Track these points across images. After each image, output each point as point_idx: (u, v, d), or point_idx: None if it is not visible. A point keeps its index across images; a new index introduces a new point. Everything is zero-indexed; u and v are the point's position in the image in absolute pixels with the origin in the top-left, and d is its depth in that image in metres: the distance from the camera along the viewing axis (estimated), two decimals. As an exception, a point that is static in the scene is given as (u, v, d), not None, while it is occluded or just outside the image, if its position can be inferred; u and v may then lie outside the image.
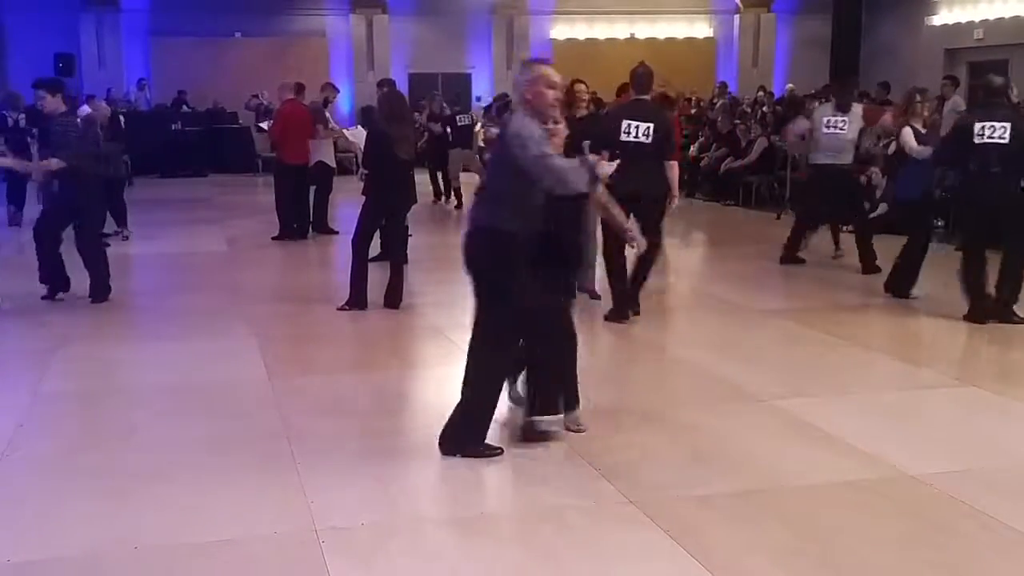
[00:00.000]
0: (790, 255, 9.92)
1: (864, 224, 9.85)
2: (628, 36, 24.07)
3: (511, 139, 4.46)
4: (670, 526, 3.96)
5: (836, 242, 10.25)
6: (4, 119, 12.72)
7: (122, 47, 21.98)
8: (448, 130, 14.95)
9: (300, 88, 13.20)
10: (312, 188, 12.38)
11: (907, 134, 8.20)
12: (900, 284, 8.30)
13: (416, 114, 14.50)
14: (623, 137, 7.23)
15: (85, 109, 12.69)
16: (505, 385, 5.02)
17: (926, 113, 8.42)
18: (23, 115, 13.33)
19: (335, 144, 12.87)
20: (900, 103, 8.60)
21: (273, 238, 11.78)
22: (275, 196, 12.00)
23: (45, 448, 4.99)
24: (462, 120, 15.12)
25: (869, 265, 9.48)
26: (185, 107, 21.34)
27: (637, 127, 7.25)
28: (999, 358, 7.00)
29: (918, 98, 8.30)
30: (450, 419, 4.75)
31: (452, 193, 15.10)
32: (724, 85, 21.04)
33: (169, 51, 21.89)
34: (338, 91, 13.39)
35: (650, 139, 7.26)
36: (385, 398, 5.84)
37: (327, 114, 12.56)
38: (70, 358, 6.66)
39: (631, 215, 6.92)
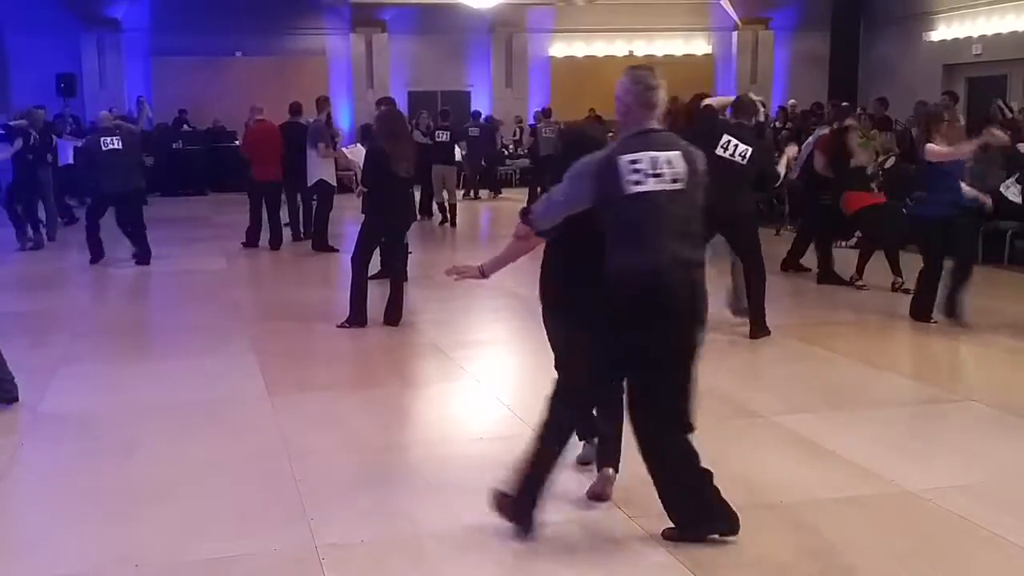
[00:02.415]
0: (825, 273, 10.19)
1: (822, 234, 10.23)
2: (626, 53, 24.13)
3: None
4: (669, 543, 3.96)
5: (895, 271, 9.58)
6: (28, 135, 12.72)
7: (123, 67, 22.07)
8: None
9: (298, 108, 13.30)
10: (313, 205, 12.60)
11: (933, 151, 7.72)
12: (925, 308, 8.03)
13: (418, 131, 14.59)
14: (719, 151, 7.33)
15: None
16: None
17: (947, 130, 7.90)
18: (37, 134, 13.27)
19: (336, 162, 12.93)
20: (923, 118, 8.21)
21: (242, 244, 12.80)
22: (249, 210, 12.88)
23: (46, 467, 4.99)
24: (440, 136, 15.18)
25: (825, 274, 9.96)
26: (186, 126, 21.43)
27: (736, 146, 7.36)
28: (999, 373, 7.00)
29: (946, 116, 7.99)
30: None
31: (437, 208, 15.44)
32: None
33: (170, 70, 21.97)
34: (328, 99, 13.52)
35: (745, 161, 7.38)
36: (385, 415, 5.84)
37: (329, 132, 12.62)
38: (70, 377, 6.67)
39: (725, 238, 7.35)
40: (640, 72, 3.96)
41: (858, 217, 9.97)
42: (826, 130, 10.69)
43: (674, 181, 3.80)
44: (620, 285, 3.83)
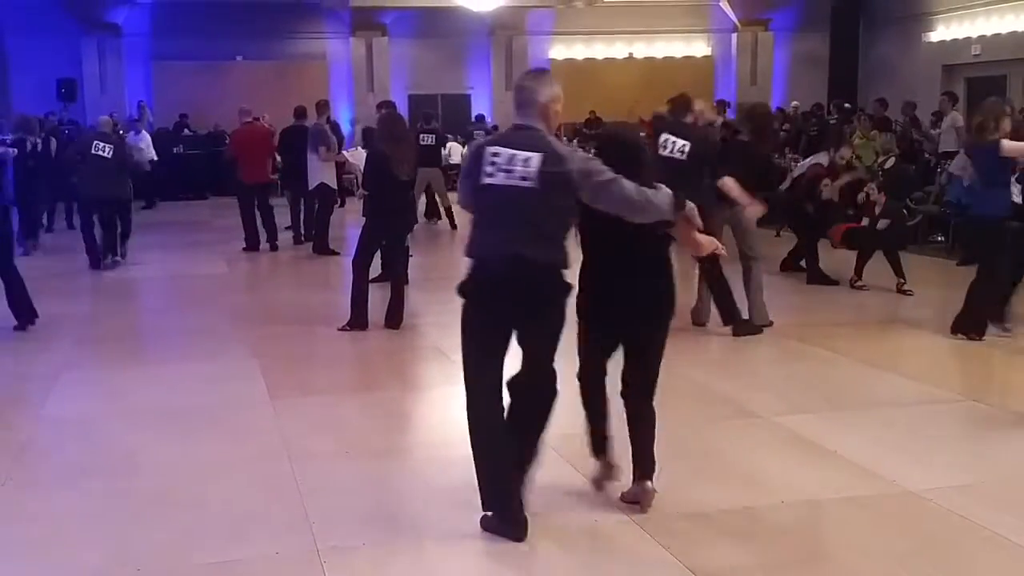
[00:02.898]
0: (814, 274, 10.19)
1: (809, 235, 10.21)
2: (626, 56, 24.16)
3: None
4: (670, 543, 3.97)
5: (898, 273, 9.53)
6: (23, 144, 12.68)
7: (124, 71, 22.08)
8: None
9: (302, 112, 13.34)
10: (316, 208, 12.64)
11: (1014, 147, 7.38)
12: (992, 317, 7.55)
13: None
14: (660, 151, 7.39)
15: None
16: None
17: (1008, 127, 7.52)
18: (39, 140, 13.23)
19: (340, 165, 12.97)
20: (987, 113, 7.81)
21: (243, 249, 12.79)
22: (240, 213, 13.00)
23: (48, 471, 5.01)
24: (425, 140, 15.19)
25: (813, 274, 10.02)
26: (187, 130, 21.46)
27: (674, 143, 7.41)
28: (1000, 373, 7.01)
29: (1007, 109, 7.80)
30: None
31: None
32: (723, 103, 21.12)
33: (171, 75, 21.98)
34: (326, 103, 13.60)
35: (684, 156, 7.38)
36: (386, 418, 5.85)
37: (331, 136, 12.64)
38: (73, 382, 6.67)
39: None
40: (522, 73, 4.29)
41: (848, 243, 10.16)
42: (824, 158, 10.68)
43: (523, 179, 3.90)
44: (470, 266, 4.06)
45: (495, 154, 3.96)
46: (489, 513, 4.07)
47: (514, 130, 4.08)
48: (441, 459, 5.01)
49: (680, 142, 7.41)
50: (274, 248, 12.82)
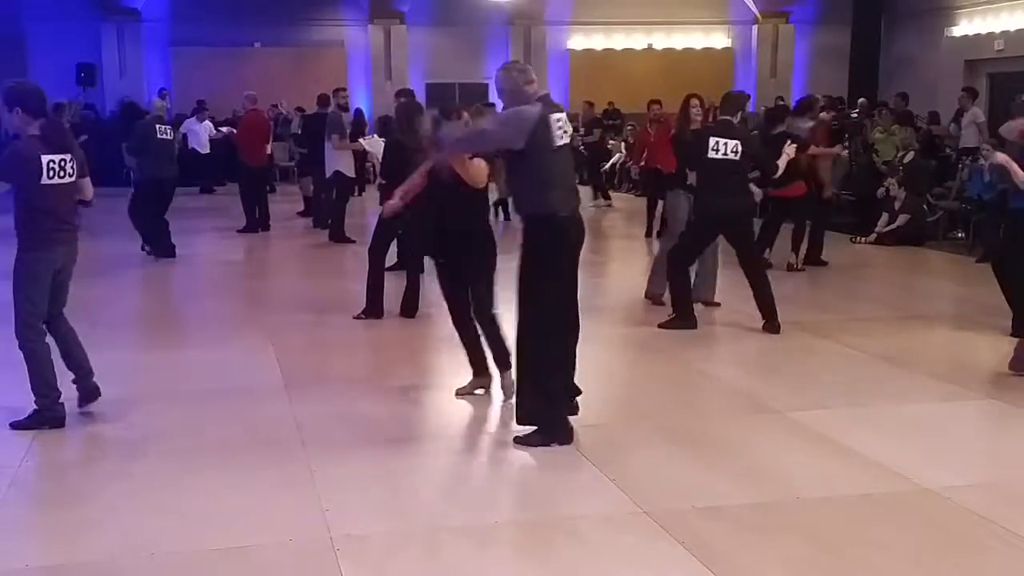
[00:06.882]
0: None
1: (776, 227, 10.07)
2: (645, 47, 24.07)
3: None
4: (684, 537, 3.95)
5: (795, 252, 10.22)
6: None
7: (143, 57, 22.15)
8: None
9: (325, 99, 13.38)
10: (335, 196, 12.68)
11: None
12: None
13: None
14: (711, 154, 7.36)
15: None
16: None
17: None
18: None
19: (355, 153, 12.94)
20: None
21: (238, 231, 13.09)
22: (240, 194, 13.43)
23: (61, 455, 5.03)
24: None
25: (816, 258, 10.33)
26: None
27: (725, 144, 7.36)
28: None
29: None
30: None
31: None
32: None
33: (189, 61, 22.04)
34: (339, 90, 13.73)
35: (739, 156, 7.37)
36: (400, 407, 5.84)
37: (343, 124, 12.63)
38: (88, 365, 6.68)
39: (728, 237, 7.65)
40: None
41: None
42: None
43: None
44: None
45: None
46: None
47: None
48: (456, 449, 5.02)
49: (732, 143, 7.38)
50: (265, 228, 13.21)
